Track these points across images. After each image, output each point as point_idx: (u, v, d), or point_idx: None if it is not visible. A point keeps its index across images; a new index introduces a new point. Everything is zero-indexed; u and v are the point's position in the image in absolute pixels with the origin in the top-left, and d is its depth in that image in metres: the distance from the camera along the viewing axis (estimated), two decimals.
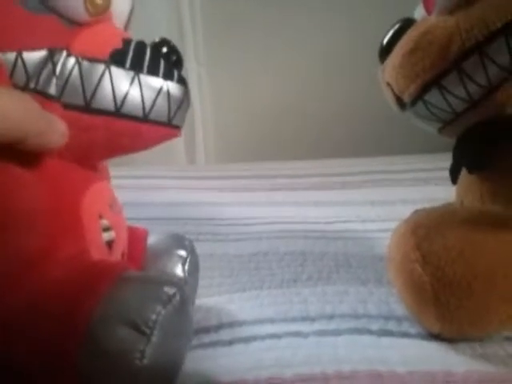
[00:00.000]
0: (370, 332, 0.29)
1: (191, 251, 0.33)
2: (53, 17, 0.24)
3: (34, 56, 0.23)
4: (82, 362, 0.20)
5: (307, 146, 1.01)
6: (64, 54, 0.24)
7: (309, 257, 0.42)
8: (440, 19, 0.29)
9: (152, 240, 0.32)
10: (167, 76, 0.26)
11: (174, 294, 0.22)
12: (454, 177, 0.32)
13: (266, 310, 0.32)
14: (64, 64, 0.24)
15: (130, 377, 0.20)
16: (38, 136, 0.22)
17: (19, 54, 0.23)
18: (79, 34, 0.24)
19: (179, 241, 0.33)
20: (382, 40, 0.33)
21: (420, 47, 0.29)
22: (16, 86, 0.23)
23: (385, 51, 0.33)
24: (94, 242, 0.25)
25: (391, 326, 0.30)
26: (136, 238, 0.31)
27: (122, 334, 0.20)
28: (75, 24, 0.24)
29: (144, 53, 0.25)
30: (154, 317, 0.21)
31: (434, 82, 0.29)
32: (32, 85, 0.23)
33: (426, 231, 0.28)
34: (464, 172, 0.32)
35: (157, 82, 0.25)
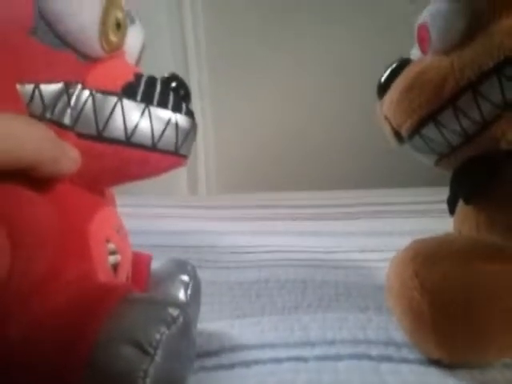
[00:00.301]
0: (369, 358, 0.29)
1: (193, 276, 0.33)
2: (69, 52, 0.25)
3: (50, 88, 0.24)
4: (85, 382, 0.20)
5: (308, 178, 1.02)
6: (79, 86, 0.25)
7: (309, 285, 0.42)
8: (435, 59, 0.31)
9: (155, 265, 0.33)
10: (176, 108, 0.27)
11: (178, 316, 0.22)
12: (452, 207, 0.33)
13: (267, 336, 0.33)
14: (79, 96, 0.25)
15: None
16: (52, 163, 0.23)
17: (37, 86, 0.24)
18: (94, 69, 0.26)
19: (182, 266, 0.34)
20: (380, 78, 0.34)
21: (416, 85, 0.31)
22: (32, 116, 0.24)
23: (383, 88, 0.34)
24: (101, 265, 0.26)
25: (391, 351, 0.30)
26: (140, 262, 0.32)
27: (126, 353, 0.21)
28: (90, 59, 0.26)
29: (154, 86, 0.27)
30: (158, 337, 0.21)
31: (430, 118, 0.30)
32: (48, 115, 0.24)
33: (423, 259, 0.29)
34: (461, 203, 0.33)
35: (166, 113, 0.27)
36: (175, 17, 1.05)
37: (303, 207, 0.79)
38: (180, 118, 0.27)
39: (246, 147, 1.10)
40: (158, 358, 0.21)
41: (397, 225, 0.64)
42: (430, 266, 0.28)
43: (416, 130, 0.31)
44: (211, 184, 1.13)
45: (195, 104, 1.05)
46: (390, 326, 0.33)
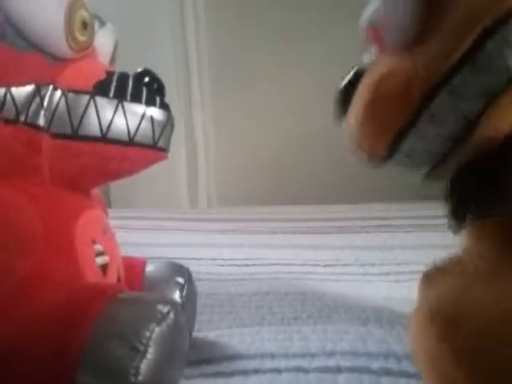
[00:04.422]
0: (369, 371, 0.29)
1: (189, 278, 0.33)
2: (38, 54, 0.25)
3: (22, 91, 0.25)
4: (78, 382, 0.20)
5: (307, 192, 1.02)
6: (50, 87, 0.25)
7: (309, 297, 0.42)
8: (392, 63, 0.25)
9: (150, 268, 0.33)
10: (150, 102, 0.27)
11: (168, 312, 0.22)
12: (458, 224, 0.25)
13: (267, 345, 0.32)
14: (51, 97, 0.25)
15: None
16: None
17: (8, 90, 0.24)
18: (64, 69, 0.26)
19: (177, 268, 0.33)
20: (337, 95, 0.29)
21: (379, 98, 0.26)
22: (6, 120, 0.24)
23: (343, 102, 0.29)
24: (88, 266, 0.26)
25: (391, 364, 0.29)
26: (135, 266, 0.32)
27: (116, 351, 0.21)
28: (60, 60, 0.26)
29: (126, 82, 0.27)
30: (147, 334, 0.21)
31: (405, 131, 0.25)
32: (22, 118, 0.25)
33: (444, 318, 0.21)
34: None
35: (140, 108, 0.27)
36: (178, 32, 1.06)
37: (302, 221, 0.79)
38: (155, 112, 0.27)
39: (246, 161, 1.10)
40: (149, 355, 0.21)
41: (397, 239, 0.64)
42: (455, 324, 0.20)
43: (394, 148, 0.26)
44: (211, 197, 1.13)
45: (196, 116, 1.06)
46: (391, 339, 0.32)
